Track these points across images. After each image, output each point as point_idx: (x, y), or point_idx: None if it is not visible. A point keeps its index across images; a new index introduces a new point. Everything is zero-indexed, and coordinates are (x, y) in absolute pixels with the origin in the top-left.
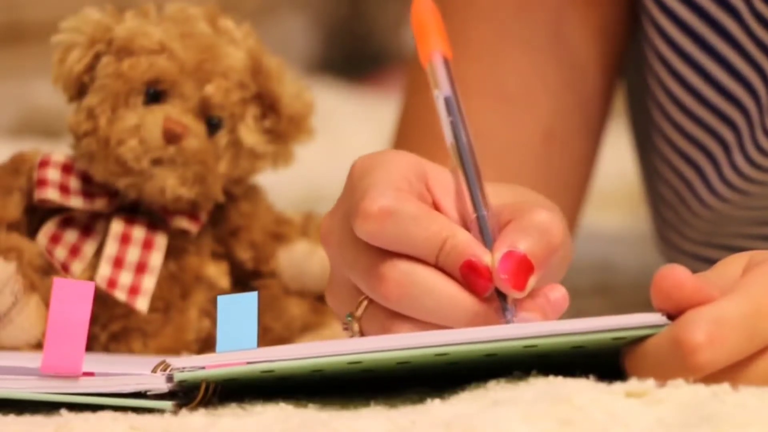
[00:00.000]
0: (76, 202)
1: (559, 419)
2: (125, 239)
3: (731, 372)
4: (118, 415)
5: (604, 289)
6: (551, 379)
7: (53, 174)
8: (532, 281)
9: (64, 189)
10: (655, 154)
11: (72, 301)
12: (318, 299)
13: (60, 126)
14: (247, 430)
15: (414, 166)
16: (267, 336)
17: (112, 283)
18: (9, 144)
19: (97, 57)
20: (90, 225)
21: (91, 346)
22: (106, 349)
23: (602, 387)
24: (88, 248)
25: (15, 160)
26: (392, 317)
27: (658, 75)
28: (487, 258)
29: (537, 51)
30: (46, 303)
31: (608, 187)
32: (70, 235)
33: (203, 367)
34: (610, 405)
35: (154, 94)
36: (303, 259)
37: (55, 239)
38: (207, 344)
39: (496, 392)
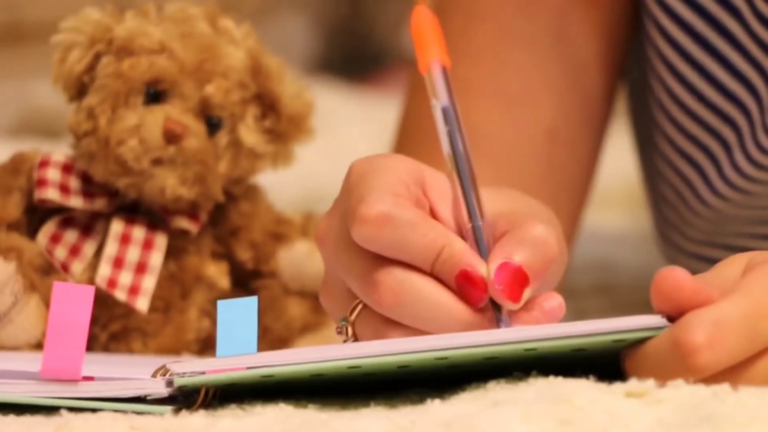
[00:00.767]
0: (76, 202)
1: (559, 419)
2: (125, 239)
3: (732, 373)
4: (118, 415)
5: (604, 289)
6: (551, 379)
7: (53, 174)
8: (527, 293)
9: (64, 189)
10: (656, 153)
11: (72, 304)
12: (318, 299)
13: (60, 126)
14: (247, 431)
15: (412, 171)
16: (267, 336)
17: (112, 283)
18: (9, 144)
19: (97, 57)
20: (90, 225)
21: (91, 346)
22: (106, 349)
23: (602, 387)
24: (88, 248)
25: (15, 160)
26: (386, 323)
27: (660, 75)
28: (482, 268)
29: (540, 50)
30: (46, 303)
31: (609, 187)
32: (70, 235)
33: (203, 372)
34: (610, 405)
35: (154, 94)
36: (303, 259)
37: (55, 239)
38: (207, 344)
39: (496, 392)
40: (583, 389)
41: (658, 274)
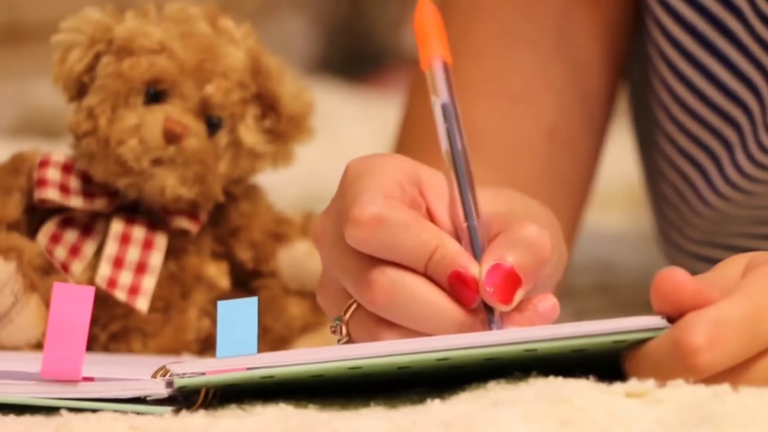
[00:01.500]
0: (76, 202)
1: (559, 419)
2: (125, 239)
3: (732, 373)
4: (118, 415)
5: (605, 289)
6: (551, 379)
7: (53, 174)
8: (519, 295)
9: (64, 189)
10: (657, 153)
11: (72, 304)
12: None
13: (60, 126)
14: (247, 431)
15: (407, 171)
16: (267, 336)
17: (112, 283)
18: (9, 144)
19: (97, 57)
20: (90, 225)
21: (91, 346)
22: (106, 348)
23: (602, 387)
24: (88, 248)
25: (15, 160)
26: (379, 323)
27: (661, 74)
28: (475, 269)
29: (541, 50)
30: (46, 303)
31: (609, 187)
32: (70, 235)
33: (203, 373)
34: (610, 405)
35: (154, 94)
36: (303, 259)
37: (55, 239)
38: (207, 344)
39: (496, 392)
40: (583, 389)
41: (658, 274)
